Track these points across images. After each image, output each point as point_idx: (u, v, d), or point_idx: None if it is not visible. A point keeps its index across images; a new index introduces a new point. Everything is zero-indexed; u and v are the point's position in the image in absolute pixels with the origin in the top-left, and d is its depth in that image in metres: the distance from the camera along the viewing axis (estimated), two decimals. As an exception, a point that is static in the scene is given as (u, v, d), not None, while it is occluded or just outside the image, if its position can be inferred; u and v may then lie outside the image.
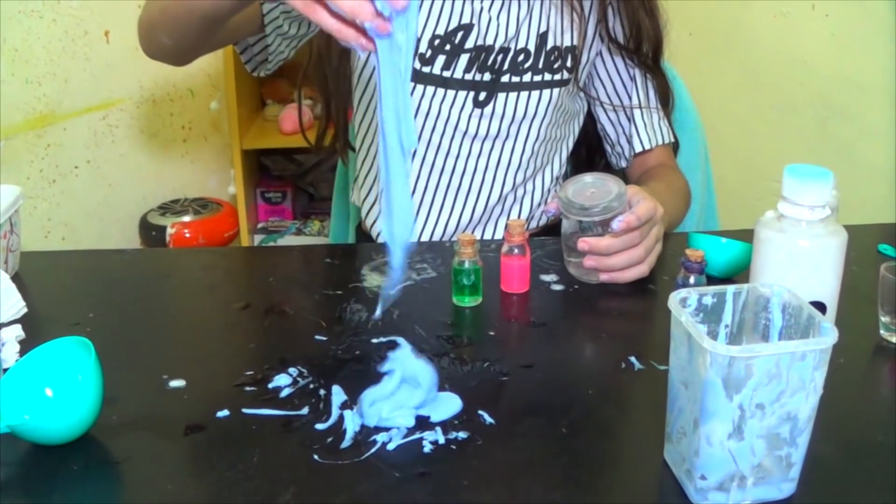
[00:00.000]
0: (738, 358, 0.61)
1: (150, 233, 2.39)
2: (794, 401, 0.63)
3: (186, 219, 2.44)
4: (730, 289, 0.70)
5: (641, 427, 0.77)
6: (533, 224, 1.31)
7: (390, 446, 0.73)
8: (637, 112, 1.30)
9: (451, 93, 1.21)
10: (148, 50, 1.11)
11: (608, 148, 1.36)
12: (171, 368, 0.85)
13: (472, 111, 1.23)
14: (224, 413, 0.78)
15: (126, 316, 0.98)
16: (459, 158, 1.25)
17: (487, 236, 1.29)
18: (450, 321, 0.96)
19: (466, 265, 0.98)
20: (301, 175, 2.73)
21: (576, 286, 1.05)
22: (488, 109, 1.23)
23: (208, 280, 1.08)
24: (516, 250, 1.02)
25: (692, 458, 0.66)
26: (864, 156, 1.89)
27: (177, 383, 0.82)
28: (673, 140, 1.34)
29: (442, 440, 0.74)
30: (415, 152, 1.25)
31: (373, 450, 0.72)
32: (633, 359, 0.87)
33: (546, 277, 1.07)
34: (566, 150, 1.34)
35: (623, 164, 1.35)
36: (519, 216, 1.30)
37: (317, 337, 0.91)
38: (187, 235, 2.41)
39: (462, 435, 0.74)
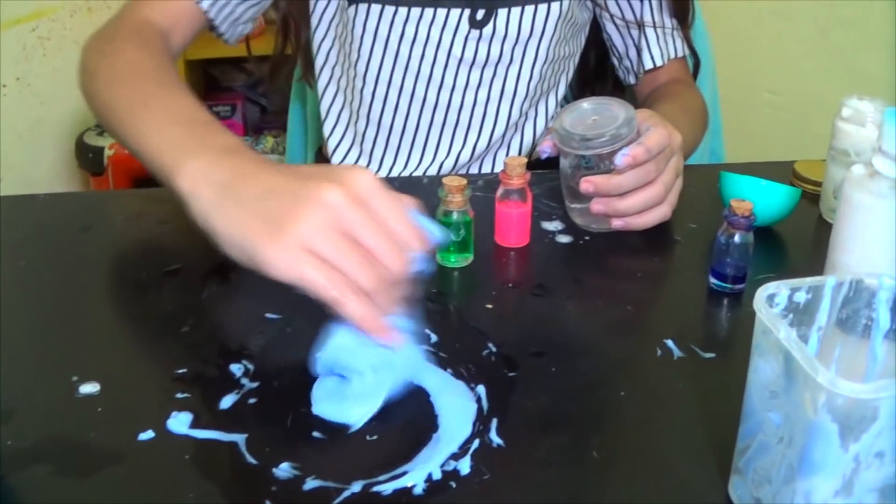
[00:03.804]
0: (865, 399, 0.43)
1: (87, 155, 2.16)
2: (919, 442, 0.46)
3: (126, 138, 2.21)
4: (829, 281, 0.52)
5: (695, 446, 0.59)
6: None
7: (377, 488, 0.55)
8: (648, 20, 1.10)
9: (441, 12, 1.00)
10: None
11: (615, 61, 1.16)
12: (82, 367, 0.65)
13: (469, 33, 1.01)
14: (148, 435, 0.59)
15: (28, 288, 0.77)
16: (456, 90, 1.04)
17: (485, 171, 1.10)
18: (434, 288, 0.77)
19: (455, 217, 0.80)
20: (252, 86, 2.50)
21: (586, 237, 0.87)
22: (488, 30, 1.01)
23: (135, 234, 0.87)
24: (515, 195, 0.83)
25: (780, 515, 0.49)
26: (864, 67, 1.78)
27: (89, 388, 0.63)
28: (687, 52, 1.14)
29: (438, 475, 0.55)
30: (402, 86, 1.05)
31: (346, 493, 0.54)
32: (670, 343, 0.69)
33: (549, 225, 0.89)
34: (573, 68, 1.14)
35: (632, 80, 1.15)
36: (520, 149, 1.10)
37: (267, 315, 0.72)
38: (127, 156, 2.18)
39: (464, 467, 0.56)
